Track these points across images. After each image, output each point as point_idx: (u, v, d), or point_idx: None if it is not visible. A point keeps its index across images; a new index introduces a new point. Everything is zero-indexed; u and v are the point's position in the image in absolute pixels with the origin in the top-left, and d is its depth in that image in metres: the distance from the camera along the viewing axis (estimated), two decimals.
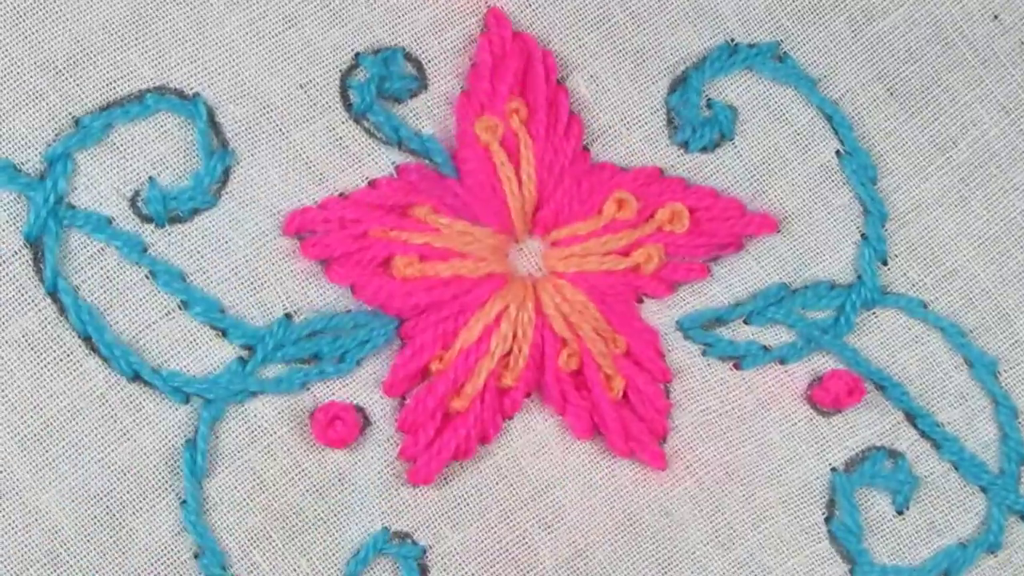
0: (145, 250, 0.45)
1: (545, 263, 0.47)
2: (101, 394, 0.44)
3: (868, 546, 0.49)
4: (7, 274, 0.44)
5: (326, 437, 0.45)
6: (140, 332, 0.45)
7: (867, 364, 0.49)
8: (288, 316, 0.45)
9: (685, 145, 0.48)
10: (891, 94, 0.49)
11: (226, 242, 0.45)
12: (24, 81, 0.44)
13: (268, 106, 0.46)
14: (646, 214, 0.47)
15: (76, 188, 0.45)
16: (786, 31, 0.49)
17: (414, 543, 0.47)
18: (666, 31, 0.48)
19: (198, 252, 0.45)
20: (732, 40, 0.48)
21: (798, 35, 0.49)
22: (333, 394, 0.46)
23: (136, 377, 0.45)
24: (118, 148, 0.45)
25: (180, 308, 0.45)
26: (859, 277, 0.49)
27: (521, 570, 0.47)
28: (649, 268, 0.47)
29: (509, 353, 0.46)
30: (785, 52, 0.49)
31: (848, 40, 0.49)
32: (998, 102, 0.50)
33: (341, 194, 0.46)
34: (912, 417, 0.49)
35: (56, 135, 0.44)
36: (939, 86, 0.50)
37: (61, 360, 0.44)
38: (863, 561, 0.49)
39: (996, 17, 0.50)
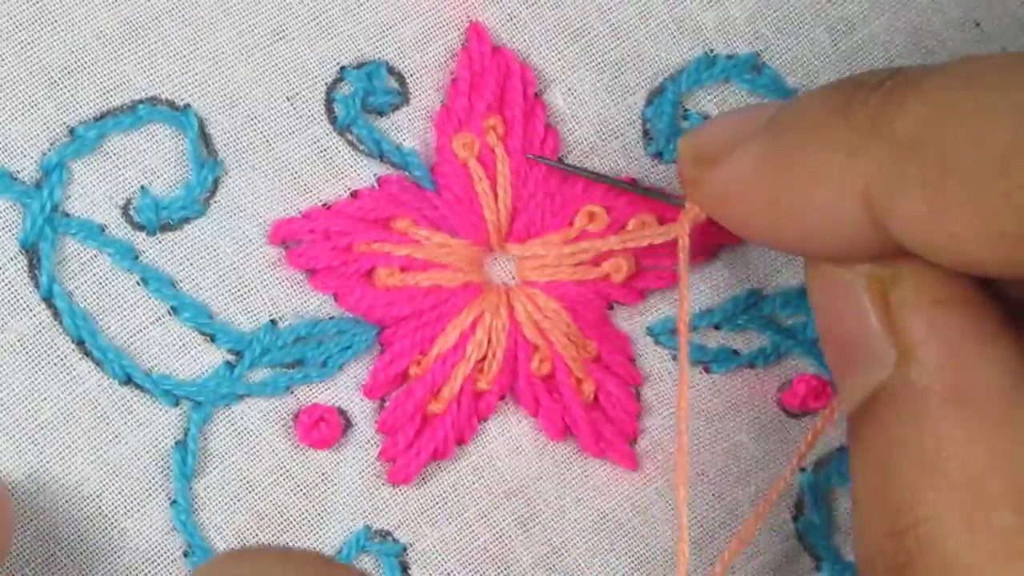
0: (136, 257, 0.46)
1: (518, 273, 0.48)
2: (94, 397, 0.46)
3: (835, 544, 0.51)
4: (2, 280, 0.46)
5: (310, 438, 0.47)
6: (132, 337, 0.46)
7: None
8: (274, 322, 0.47)
9: (659, 155, 0.49)
10: None
11: (214, 250, 0.47)
12: (20, 91, 0.46)
13: (256, 117, 0.47)
14: (618, 225, 0.48)
15: (70, 196, 0.46)
16: (766, 41, 0.49)
17: (395, 541, 0.48)
18: (646, 43, 0.49)
19: (188, 260, 0.47)
20: (711, 51, 0.49)
21: (778, 45, 0.49)
22: (316, 397, 0.47)
23: (128, 381, 0.46)
24: (111, 158, 0.46)
25: (170, 314, 0.46)
26: None
27: (499, 567, 0.49)
28: (618, 278, 0.48)
29: (484, 358, 0.48)
30: (763, 63, 0.49)
31: (828, 50, 0.50)
32: None
33: (325, 205, 0.47)
34: None
35: (51, 144, 0.46)
36: None
37: (55, 364, 0.46)
38: (830, 558, 0.51)
39: (978, 24, 0.50)
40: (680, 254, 0.45)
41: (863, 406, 0.37)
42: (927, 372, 0.36)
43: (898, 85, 0.36)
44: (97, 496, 0.46)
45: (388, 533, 0.48)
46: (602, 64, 0.49)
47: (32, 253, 0.46)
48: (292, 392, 0.47)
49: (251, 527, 0.47)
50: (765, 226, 0.40)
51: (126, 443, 0.46)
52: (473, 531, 0.49)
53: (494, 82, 0.47)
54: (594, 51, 0.48)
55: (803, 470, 0.50)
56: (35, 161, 0.46)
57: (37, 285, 0.46)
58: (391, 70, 0.47)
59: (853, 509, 0.38)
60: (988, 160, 0.32)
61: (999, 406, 0.35)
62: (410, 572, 0.48)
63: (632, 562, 0.50)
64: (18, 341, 0.46)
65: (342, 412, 0.48)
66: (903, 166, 0.34)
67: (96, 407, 0.46)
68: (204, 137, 0.46)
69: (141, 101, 0.46)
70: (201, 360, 0.47)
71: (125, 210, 0.46)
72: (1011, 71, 0.33)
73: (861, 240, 0.37)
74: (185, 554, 0.47)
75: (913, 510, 0.35)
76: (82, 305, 0.46)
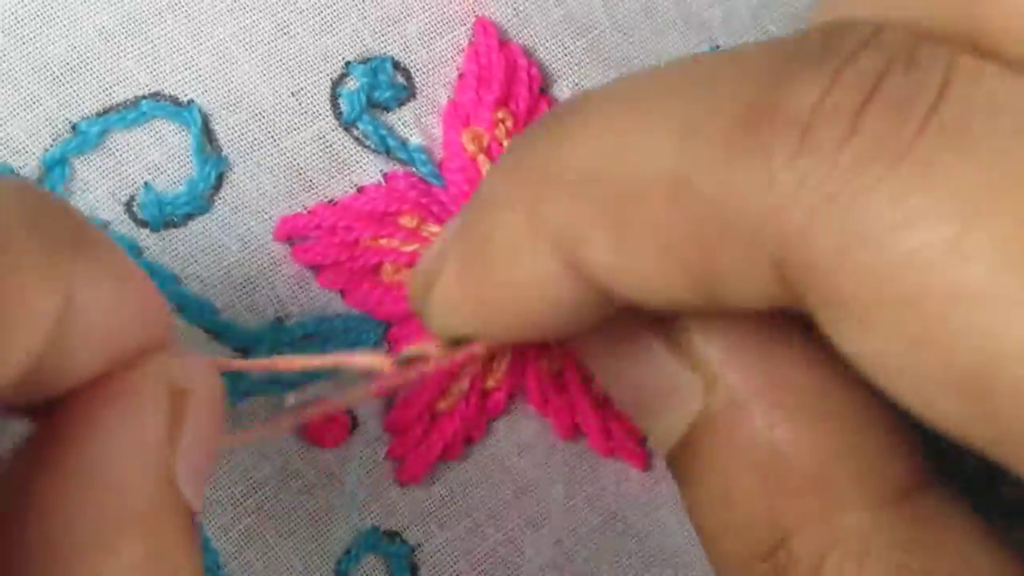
0: (140, 254, 0.46)
1: None
2: None
3: None
4: None
5: (316, 437, 0.46)
6: None
7: None
8: (279, 320, 0.47)
9: None
10: None
11: (219, 247, 0.46)
12: (22, 87, 0.45)
13: (260, 113, 0.46)
14: None
15: (73, 193, 0.46)
16: (772, 37, 0.49)
17: (403, 541, 0.48)
18: (652, 39, 0.49)
19: (192, 256, 0.46)
20: (717, 47, 0.49)
21: None
22: (323, 396, 0.47)
23: None
24: (114, 153, 0.46)
25: (175, 311, 0.46)
26: None
27: (508, 567, 0.49)
28: None
29: (493, 356, 0.47)
30: None
31: None
32: None
33: (330, 201, 0.47)
34: None
35: (54, 140, 0.45)
36: None
37: None
38: None
39: None
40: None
41: (683, 444, 0.35)
42: (740, 389, 0.34)
43: (561, 121, 0.32)
44: None
45: (397, 533, 0.48)
46: (608, 60, 0.48)
47: None
48: (299, 390, 0.47)
49: (258, 528, 0.47)
50: (497, 327, 0.36)
51: None
52: (483, 532, 0.48)
53: (502, 76, 0.47)
54: (600, 47, 0.48)
55: None
56: (37, 157, 0.45)
57: None
58: (397, 65, 0.47)
59: (705, 543, 0.35)
60: (657, 187, 0.29)
61: (817, 404, 0.33)
62: (419, 573, 0.48)
63: (642, 563, 0.49)
64: None
65: (349, 411, 0.47)
66: (579, 209, 0.31)
67: None
68: (208, 133, 0.46)
69: (144, 97, 0.46)
70: (207, 358, 0.46)
71: (128, 206, 0.46)
72: (685, 78, 0.30)
73: (582, 296, 0.33)
74: None
75: (775, 527, 0.33)
76: None
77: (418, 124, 0.47)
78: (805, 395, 0.33)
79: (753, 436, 0.33)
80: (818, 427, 0.33)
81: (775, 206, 0.27)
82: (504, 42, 0.47)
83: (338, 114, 0.47)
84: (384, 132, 0.47)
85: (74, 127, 0.45)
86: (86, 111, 0.45)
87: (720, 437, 0.34)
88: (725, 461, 0.34)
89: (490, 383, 0.47)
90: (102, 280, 0.28)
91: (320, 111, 0.47)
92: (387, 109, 0.47)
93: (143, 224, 0.46)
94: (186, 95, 0.46)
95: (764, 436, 0.33)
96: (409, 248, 0.46)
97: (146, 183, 0.46)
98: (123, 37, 0.46)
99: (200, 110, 0.46)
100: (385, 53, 0.47)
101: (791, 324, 0.32)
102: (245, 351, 0.46)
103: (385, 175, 0.47)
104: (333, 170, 0.47)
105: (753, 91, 0.28)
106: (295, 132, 0.47)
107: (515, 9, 0.47)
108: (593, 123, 0.31)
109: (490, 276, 0.34)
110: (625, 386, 0.37)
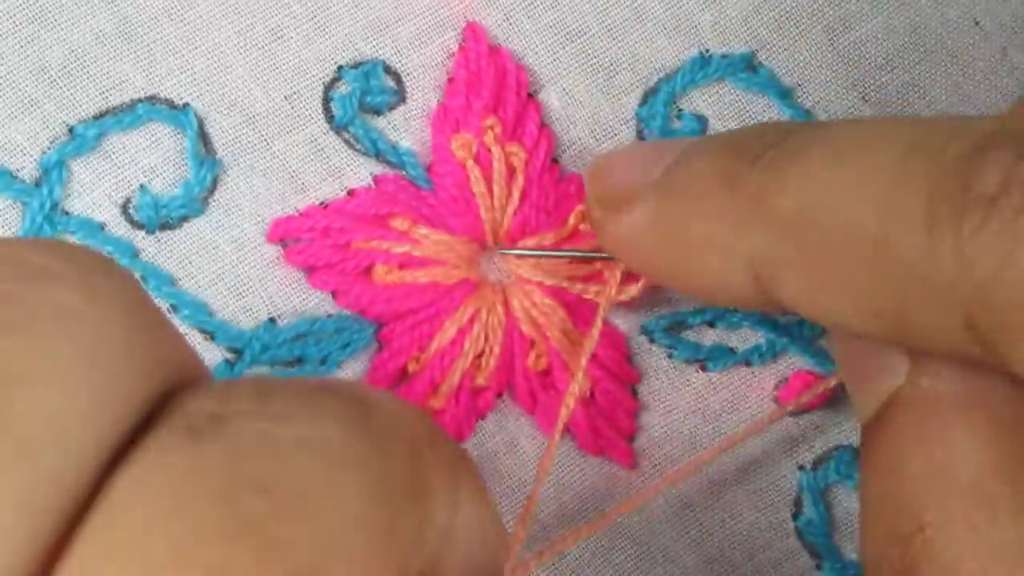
0: (136, 255, 0.47)
1: (514, 270, 0.48)
2: None
3: (835, 542, 0.51)
4: None
5: None
6: None
7: (834, 365, 0.50)
8: (272, 320, 0.47)
9: None
10: (866, 101, 0.50)
11: (213, 248, 0.47)
12: (20, 90, 0.46)
13: (254, 116, 0.47)
14: None
15: (70, 195, 0.46)
16: (762, 41, 0.50)
17: None
18: (641, 43, 0.49)
19: (187, 258, 0.47)
20: (707, 51, 0.49)
21: (774, 45, 0.50)
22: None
23: None
24: (110, 156, 0.47)
25: (169, 312, 0.47)
26: None
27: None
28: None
29: (481, 354, 0.48)
30: (759, 62, 0.49)
31: (824, 48, 0.50)
32: (977, 109, 0.51)
33: (322, 203, 0.47)
34: None
35: (51, 143, 0.46)
36: (916, 93, 0.50)
37: None
38: (830, 556, 0.50)
39: (977, 23, 0.50)
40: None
41: (876, 416, 0.38)
42: (938, 380, 0.36)
43: (778, 159, 0.36)
44: None
45: None
46: (597, 65, 0.49)
47: None
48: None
49: None
50: (665, 280, 0.43)
51: None
52: None
53: (491, 82, 0.47)
54: (589, 52, 0.49)
55: (801, 468, 0.50)
56: (34, 160, 0.46)
57: None
58: (388, 69, 0.48)
59: (861, 516, 0.38)
60: (859, 244, 0.33)
61: (1007, 413, 0.35)
62: None
63: (632, 561, 0.50)
64: None
65: None
66: (783, 245, 0.35)
67: None
68: (203, 136, 0.47)
69: (140, 100, 0.46)
70: (201, 358, 0.47)
71: (124, 208, 0.47)
72: (886, 146, 0.34)
73: (758, 302, 0.38)
74: None
75: (919, 515, 0.35)
76: None
77: (408, 128, 0.48)
78: (994, 404, 0.36)
79: (934, 430, 0.36)
80: (996, 437, 0.36)
81: (964, 268, 0.31)
82: (494, 47, 0.48)
83: (330, 118, 0.47)
84: (375, 135, 0.47)
85: (71, 130, 0.46)
86: (83, 114, 0.46)
87: (908, 418, 0.37)
88: (903, 441, 0.37)
89: (479, 381, 0.48)
90: (473, 503, 0.30)
91: (312, 115, 0.47)
92: (378, 113, 0.48)
93: (139, 226, 0.47)
94: (182, 98, 0.47)
95: (944, 433, 0.36)
96: (400, 249, 0.47)
97: (142, 185, 0.47)
98: (120, 41, 0.46)
99: (195, 113, 0.47)
100: (377, 57, 0.47)
101: None
102: (239, 351, 0.47)
103: (375, 178, 0.48)
104: (325, 173, 0.47)
105: (950, 168, 0.32)
106: (288, 135, 0.47)
107: (505, 14, 0.48)
108: (803, 171, 0.35)
109: (679, 246, 0.39)
110: (845, 350, 0.40)
